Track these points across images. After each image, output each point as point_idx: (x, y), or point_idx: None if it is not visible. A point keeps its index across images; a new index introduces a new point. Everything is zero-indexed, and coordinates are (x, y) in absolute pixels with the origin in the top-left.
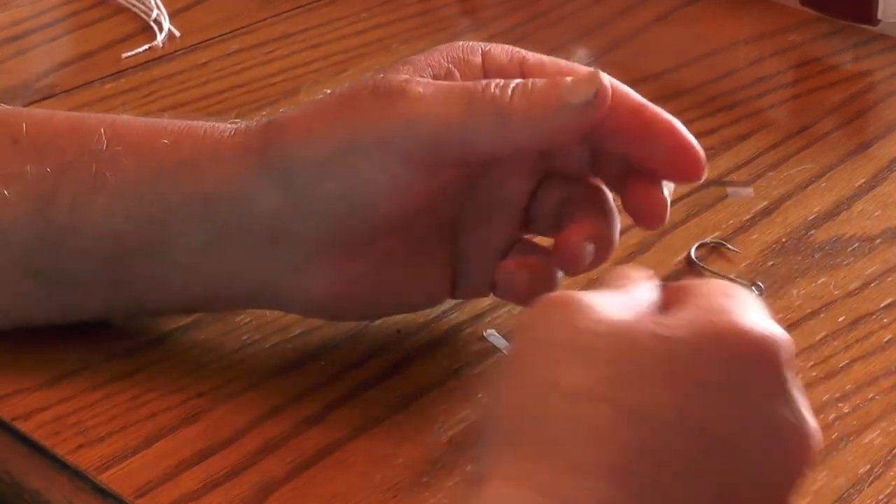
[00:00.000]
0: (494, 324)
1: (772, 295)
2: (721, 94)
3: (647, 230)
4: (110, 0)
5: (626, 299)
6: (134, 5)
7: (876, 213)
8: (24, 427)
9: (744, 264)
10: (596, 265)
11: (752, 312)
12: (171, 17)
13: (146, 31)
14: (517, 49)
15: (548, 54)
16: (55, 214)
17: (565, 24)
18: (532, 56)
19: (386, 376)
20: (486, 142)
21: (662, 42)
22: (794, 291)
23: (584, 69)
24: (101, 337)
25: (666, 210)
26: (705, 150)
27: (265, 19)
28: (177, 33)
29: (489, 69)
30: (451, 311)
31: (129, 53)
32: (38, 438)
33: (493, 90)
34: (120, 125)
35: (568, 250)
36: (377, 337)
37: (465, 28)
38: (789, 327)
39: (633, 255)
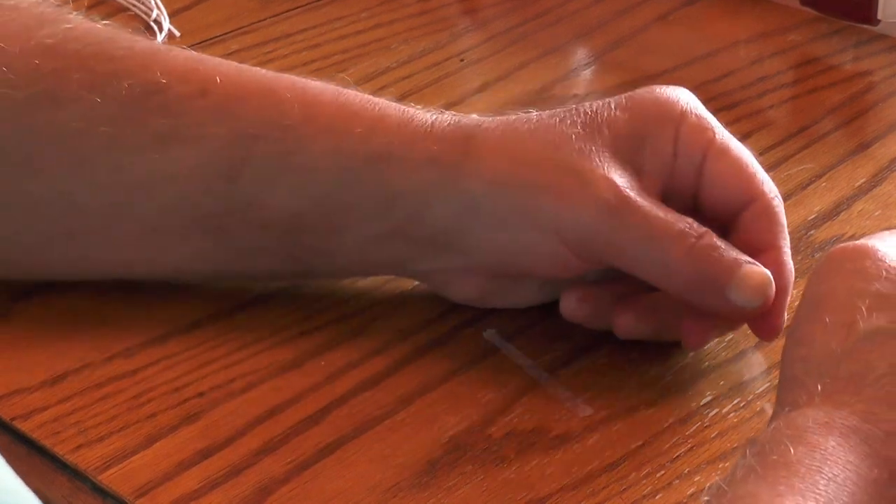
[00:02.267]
0: (494, 324)
1: None
2: (721, 94)
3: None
4: (110, 0)
5: None
6: (134, 5)
7: (876, 213)
8: (23, 427)
9: None
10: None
11: None
12: (171, 17)
13: (146, 32)
14: (710, 126)
15: (548, 54)
16: (242, 184)
17: (565, 24)
18: (719, 144)
19: (386, 376)
20: (644, 276)
21: (662, 42)
22: (795, 291)
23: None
24: (101, 337)
25: (704, 341)
26: None
27: (265, 19)
28: (177, 33)
29: (679, 147)
30: (451, 311)
31: None
32: (37, 438)
33: (678, 240)
34: (311, 99)
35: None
36: (377, 337)
37: (465, 28)
38: (789, 327)
39: None
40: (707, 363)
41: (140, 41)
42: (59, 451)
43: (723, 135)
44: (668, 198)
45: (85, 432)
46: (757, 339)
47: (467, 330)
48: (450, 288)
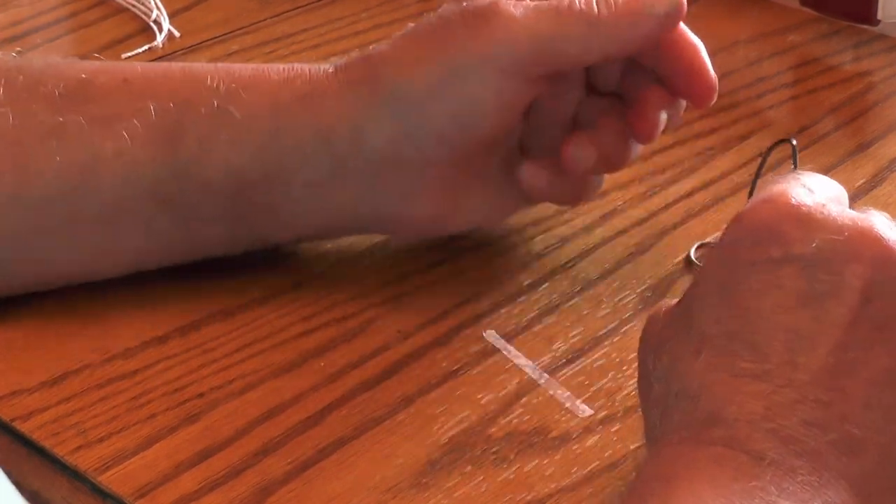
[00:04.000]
0: (494, 324)
1: None
2: (721, 94)
3: (638, 142)
4: (110, 0)
5: None
6: (134, 5)
7: None
8: (23, 428)
9: None
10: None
11: None
12: (171, 17)
13: (146, 32)
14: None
15: None
16: (183, 148)
17: None
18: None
19: (386, 376)
20: (578, 52)
21: None
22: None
23: None
24: (100, 337)
25: (657, 130)
26: (705, 150)
27: (265, 19)
28: (176, 33)
29: None
30: (451, 311)
31: (128, 54)
32: (37, 439)
33: (579, 5)
34: (226, 68)
35: (645, 118)
36: (377, 337)
37: None
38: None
39: (633, 256)
40: None
41: (53, 57)
42: (59, 451)
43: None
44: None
45: (85, 433)
46: None
47: (467, 330)
48: (403, 214)
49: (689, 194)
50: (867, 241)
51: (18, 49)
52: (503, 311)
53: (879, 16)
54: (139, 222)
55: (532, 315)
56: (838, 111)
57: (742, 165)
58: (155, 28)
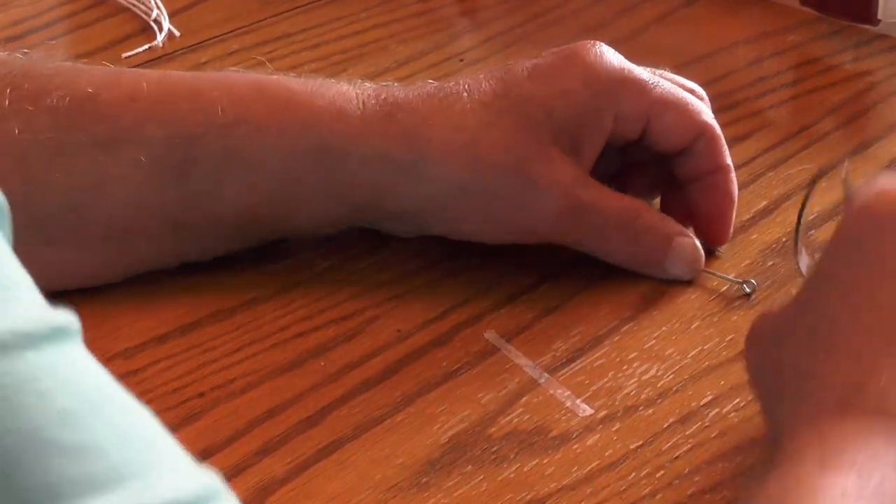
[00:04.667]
0: (494, 324)
1: (772, 295)
2: (721, 94)
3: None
4: (110, 0)
5: None
6: (134, 5)
7: None
8: None
9: (744, 264)
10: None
11: None
12: (171, 17)
13: (146, 31)
14: (651, 87)
15: None
16: (192, 181)
17: (565, 24)
18: (661, 103)
19: (386, 376)
20: (596, 254)
21: (662, 42)
22: (795, 291)
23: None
24: (100, 337)
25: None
26: None
27: (265, 19)
28: (177, 33)
29: (617, 123)
30: (451, 311)
31: (129, 53)
32: None
33: (624, 228)
34: (238, 98)
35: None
36: (377, 337)
37: (464, 28)
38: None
39: None
40: (707, 363)
41: (60, 63)
42: None
43: (658, 86)
44: (608, 150)
45: None
46: None
47: (467, 330)
48: (394, 232)
49: None
50: None
51: (25, 50)
52: (503, 311)
53: (879, 16)
54: (149, 239)
55: (532, 315)
56: (838, 111)
57: (742, 165)
58: (155, 27)
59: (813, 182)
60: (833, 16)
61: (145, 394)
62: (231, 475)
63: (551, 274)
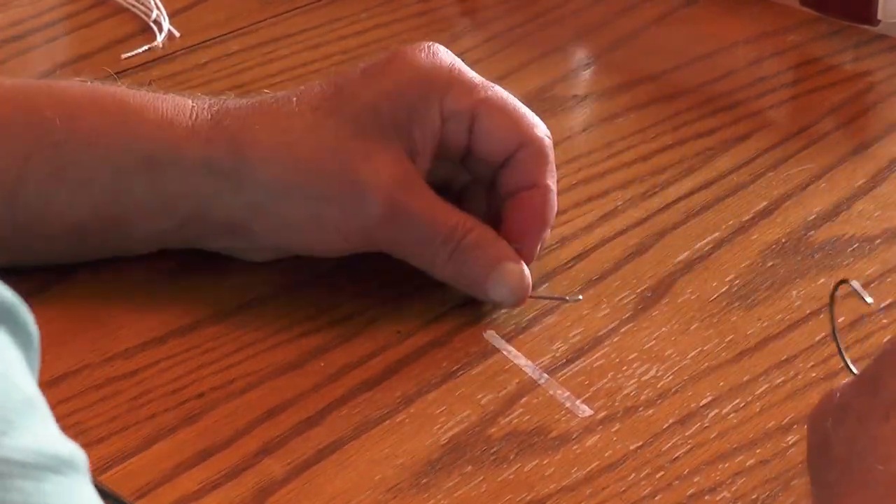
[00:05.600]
0: (494, 324)
1: (772, 295)
2: (721, 94)
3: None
4: (110, 0)
5: None
6: (134, 5)
7: (876, 214)
8: None
9: (744, 265)
10: None
11: None
12: (171, 17)
13: (146, 32)
14: (478, 88)
15: (548, 54)
16: (22, 202)
17: (565, 24)
18: (488, 103)
19: (386, 376)
20: (418, 265)
21: (662, 42)
22: (794, 292)
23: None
24: (100, 338)
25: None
26: (705, 150)
27: (265, 20)
28: (177, 33)
29: (445, 115)
30: (451, 312)
31: (128, 54)
32: None
33: (448, 241)
34: (71, 113)
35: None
36: (377, 337)
37: (465, 28)
38: (789, 327)
39: (633, 256)
40: (706, 364)
41: None
42: None
43: (486, 89)
44: (440, 156)
45: (85, 433)
46: (757, 340)
47: (467, 330)
48: (248, 258)
49: (689, 194)
50: None
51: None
52: (503, 311)
53: (879, 16)
54: None
55: (532, 315)
56: (838, 111)
57: (742, 165)
58: (155, 28)
59: (835, 288)
60: (833, 16)
61: (145, 394)
62: (231, 475)
63: (551, 274)
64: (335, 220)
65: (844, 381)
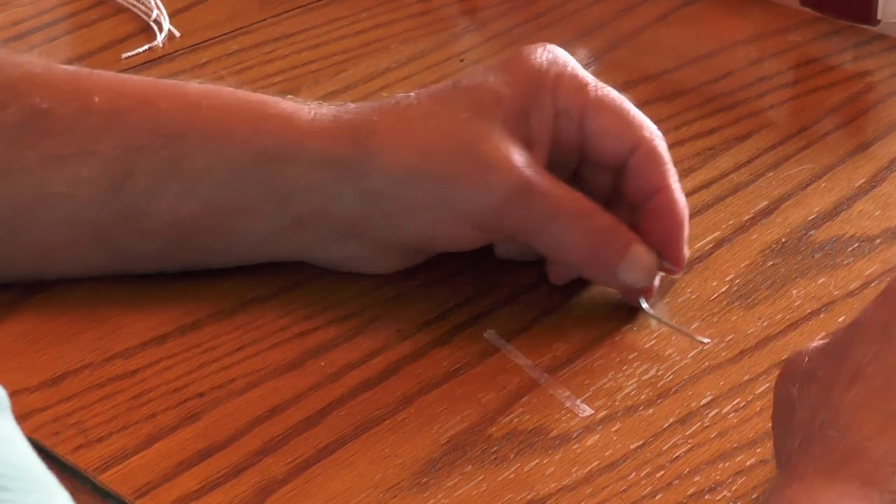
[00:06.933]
0: (494, 324)
1: (772, 295)
2: (721, 94)
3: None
4: (110, 0)
5: None
6: (134, 5)
7: (876, 213)
8: (23, 427)
9: (744, 264)
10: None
11: None
12: (171, 17)
13: (146, 31)
14: (585, 85)
15: None
16: (130, 196)
17: (565, 24)
18: (596, 101)
19: (386, 376)
20: (544, 251)
21: (662, 42)
22: (794, 291)
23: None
24: (100, 337)
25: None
26: (705, 150)
27: (265, 19)
28: (177, 33)
29: (558, 111)
30: (451, 311)
31: (129, 54)
32: (37, 438)
33: (580, 219)
34: (189, 106)
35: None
36: (377, 337)
37: (465, 28)
38: (789, 327)
39: None
40: (707, 363)
41: (16, 67)
42: (60, 451)
43: (598, 89)
44: (555, 157)
45: (85, 433)
46: (757, 340)
47: (467, 330)
48: (359, 268)
49: (689, 194)
50: None
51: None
52: (503, 311)
53: (879, 16)
54: (73, 259)
55: (532, 315)
56: (838, 111)
57: (742, 165)
58: (155, 28)
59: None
60: (833, 16)
61: (145, 393)
62: (231, 475)
63: None
64: (461, 200)
65: (814, 346)
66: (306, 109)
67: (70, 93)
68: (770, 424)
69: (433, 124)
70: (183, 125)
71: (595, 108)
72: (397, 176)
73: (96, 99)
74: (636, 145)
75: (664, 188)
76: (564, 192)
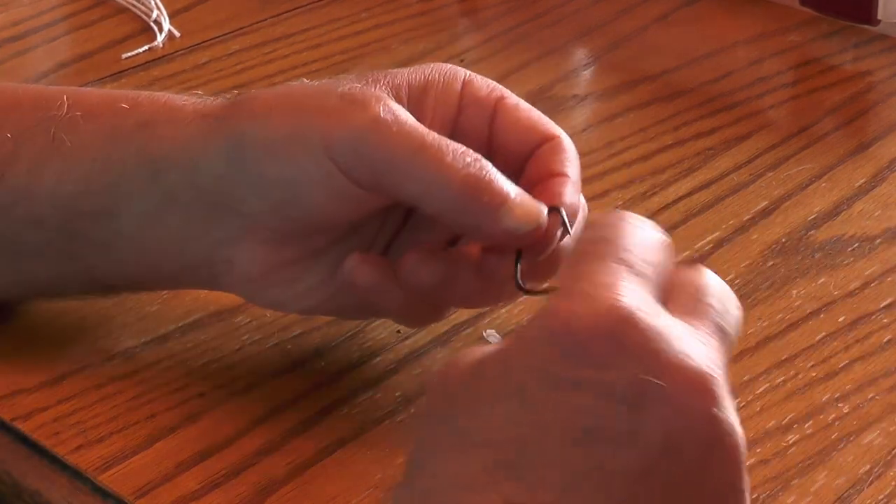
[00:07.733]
0: (494, 324)
1: (772, 295)
2: (721, 94)
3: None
4: (110, 0)
5: None
6: (134, 5)
7: (876, 213)
8: (24, 427)
9: (744, 264)
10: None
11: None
12: (171, 17)
13: (146, 32)
14: (498, 87)
15: (548, 54)
16: (11, 179)
17: (565, 24)
18: (510, 99)
19: (386, 376)
20: (416, 196)
21: (662, 42)
22: (794, 291)
23: (550, 135)
24: (101, 337)
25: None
26: (705, 150)
27: (265, 19)
28: (177, 33)
29: (465, 100)
30: (450, 312)
31: (129, 54)
32: (37, 439)
33: (450, 155)
34: (83, 93)
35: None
36: (377, 337)
37: (465, 28)
38: (789, 327)
39: None
40: None
41: None
42: (60, 451)
43: (511, 95)
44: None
45: (85, 433)
46: (757, 340)
47: (467, 330)
48: (233, 264)
49: (689, 194)
50: (693, 386)
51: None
52: (503, 311)
53: (879, 16)
54: None
55: (532, 315)
56: (838, 111)
57: (742, 165)
58: (155, 28)
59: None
60: (833, 16)
61: (145, 394)
62: (231, 475)
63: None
64: (320, 131)
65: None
66: (195, 97)
67: None
68: (771, 424)
69: (313, 86)
70: (71, 105)
71: (509, 107)
72: (258, 115)
73: None
74: (548, 139)
75: (562, 175)
76: (436, 133)
